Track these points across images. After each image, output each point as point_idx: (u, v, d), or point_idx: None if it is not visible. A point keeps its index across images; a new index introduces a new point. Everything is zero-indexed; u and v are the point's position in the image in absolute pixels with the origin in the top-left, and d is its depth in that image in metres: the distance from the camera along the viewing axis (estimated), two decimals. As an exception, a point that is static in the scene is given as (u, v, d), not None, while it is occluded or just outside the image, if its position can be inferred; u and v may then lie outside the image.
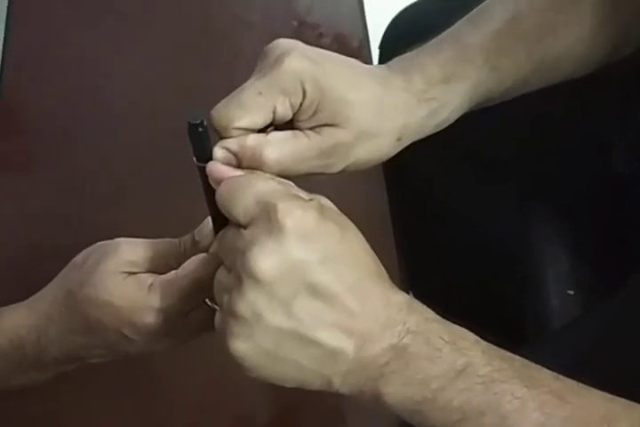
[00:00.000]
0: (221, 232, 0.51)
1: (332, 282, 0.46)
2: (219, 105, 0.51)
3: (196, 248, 0.55)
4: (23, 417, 0.76)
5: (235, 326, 0.46)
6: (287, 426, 0.82)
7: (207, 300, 0.55)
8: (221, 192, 0.49)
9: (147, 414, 0.79)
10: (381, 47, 0.94)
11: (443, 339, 0.47)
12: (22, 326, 0.57)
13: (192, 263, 0.54)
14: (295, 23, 1.05)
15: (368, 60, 1.03)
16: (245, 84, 0.52)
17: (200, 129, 0.49)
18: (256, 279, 0.45)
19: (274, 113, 0.51)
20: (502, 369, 0.47)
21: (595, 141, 0.76)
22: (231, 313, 0.46)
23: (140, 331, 0.55)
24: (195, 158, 0.51)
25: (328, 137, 0.53)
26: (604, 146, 0.75)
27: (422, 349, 0.47)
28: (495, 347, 0.48)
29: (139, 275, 0.55)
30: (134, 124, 0.94)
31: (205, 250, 0.54)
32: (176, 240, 0.57)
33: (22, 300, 0.60)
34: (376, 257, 0.49)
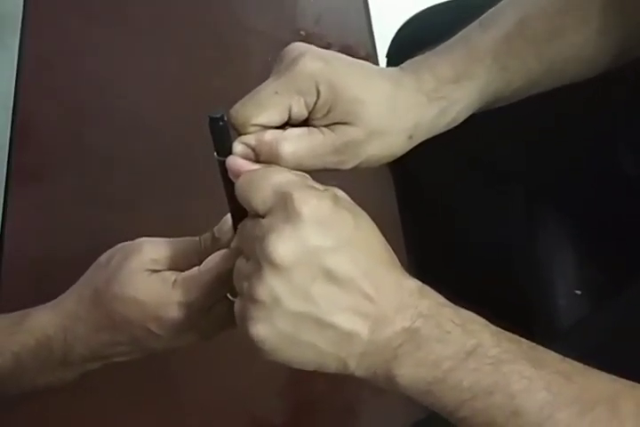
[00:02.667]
0: (241, 223, 0.52)
1: (348, 267, 0.48)
2: (237, 104, 0.53)
3: (216, 245, 0.57)
4: (40, 417, 0.77)
5: (254, 311, 0.48)
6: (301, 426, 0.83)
7: (229, 294, 0.56)
8: (240, 184, 0.51)
9: (162, 412, 0.80)
10: (389, 56, 0.95)
11: (453, 322, 0.48)
12: (49, 325, 0.59)
13: (213, 259, 0.56)
14: (303, 33, 1.06)
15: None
16: (262, 85, 0.54)
17: (220, 123, 0.51)
18: (274, 265, 0.47)
19: (289, 111, 0.53)
20: (510, 350, 0.48)
21: (601, 143, 0.76)
22: (251, 298, 0.48)
23: (165, 326, 0.56)
24: (215, 153, 0.53)
25: (341, 135, 0.54)
26: (610, 148, 0.76)
27: (433, 331, 0.48)
28: (502, 330, 0.49)
29: (162, 272, 0.57)
30: (148, 134, 0.95)
31: (226, 246, 0.56)
32: (196, 238, 0.59)
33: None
34: (388, 245, 0.51)
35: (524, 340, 0.50)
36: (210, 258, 0.56)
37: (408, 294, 0.49)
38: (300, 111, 0.54)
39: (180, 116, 0.96)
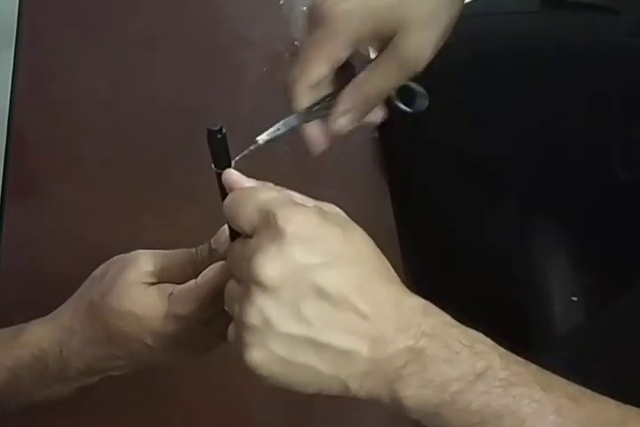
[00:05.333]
0: (230, 245, 0.52)
1: (338, 283, 0.46)
2: (288, 73, 0.58)
3: (213, 256, 0.57)
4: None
5: (247, 335, 0.47)
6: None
7: (226, 307, 0.56)
8: (226, 204, 0.51)
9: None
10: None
11: (461, 342, 0.47)
12: (45, 340, 0.58)
13: (210, 272, 0.55)
14: (298, 44, 1.06)
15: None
16: (303, 43, 0.58)
17: (219, 136, 0.51)
18: (262, 285, 0.46)
19: (337, 59, 0.58)
20: (520, 373, 0.47)
21: (595, 149, 0.77)
22: (242, 323, 0.47)
23: (161, 339, 0.56)
24: (213, 165, 0.53)
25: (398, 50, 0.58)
26: (605, 154, 0.76)
27: (440, 351, 0.47)
28: (510, 352, 0.49)
29: (159, 285, 0.57)
30: (144, 146, 0.95)
31: (223, 257, 0.56)
32: (193, 250, 0.58)
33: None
34: (385, 260, 0.50)
35: (530, 363, 0.49)
36: (206, 270, 0.56)
37: (410, 311, 0.47)
38: (347, 51, 0.57)
39: (176, 127, 0.96)
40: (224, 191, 0.53)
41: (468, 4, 0.92)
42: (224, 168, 0.53)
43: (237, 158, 0.54)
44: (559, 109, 0.81)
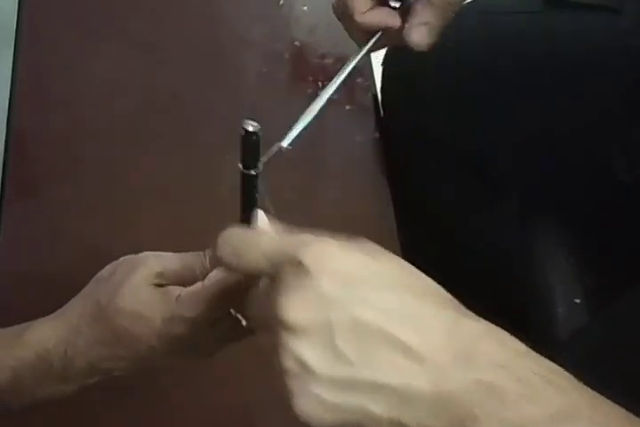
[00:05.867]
0: (245, 300, 0.49)
1: (373, 315, 0.41)
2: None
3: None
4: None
5: (289, 384, 0.43)
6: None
7: (232, 310, 0.56)
8: (236, 245, 0.47)
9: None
10: (385, 63, 0.95)
11: (536, 374, 0.41)
12: (49, 339, 0.58)
13: (217, 274, 0.55)
14: (298, 44, 1.06)
15: (370, 79, 1.04)
16: None
17: (254, 137, 0.50)
18: (291, 328, 0.42)
19: None
20: (604, 413, 0.42)
21: (595, 149, 0.77)
22: (282, 372, 0.43)
23: (168, 341, 0.56)
24: (241, 164, 0.52)
25: None
26: (605, 154, 0.76)
27: (515, 385, 0.40)
28: (586, 387, 0.43)
29: (167, 287, 0.57)
30: (146, 146, 0.95)
31: None
32: (200, 253, 0.58)
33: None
34: (432, 282, 0.44)
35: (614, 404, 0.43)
36: (213, 273, 0.56)
37: (468, 337, 0.41)
38: None
39: (176, 127, 0.96)
40: (246, 190, 0.53)
41: (468, 3, 0.92)
42: (250, 169, 0.52)
43: (264, 160, 0.52)
44: (560, 109, 0.81)
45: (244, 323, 0.56)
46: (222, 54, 1.04)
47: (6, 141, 0.93)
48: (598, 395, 0.42)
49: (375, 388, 0.41)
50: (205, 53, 1.03)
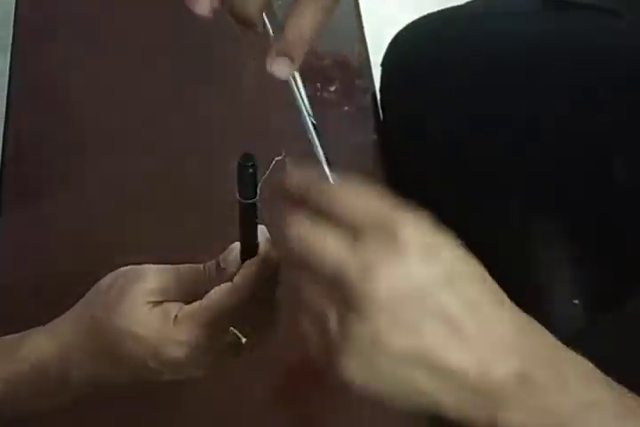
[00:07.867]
0: (323, 240, 0.45)
1: (458, 303, 0.43)
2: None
3: (221, 275, 0.56)
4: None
5: (345, 346, 0.43)
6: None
7: (232, 328, 0.55)
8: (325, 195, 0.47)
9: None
10: (383, 65, 0.95)
11: (569, 368, 0.45)
12: (45, 352, 0.57)
13: (215, 294, 0.54)
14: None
15: (369, 80, 1.04)
16: None
17: (250, 170, 0.50)
18: (378, 300, 0.42)
19: None
20: (631, 408, 0.45)
21: (595, 150, 0.77)
22: (342, 333, 0.43)
23: (164, 362, 0.55)
24: (238, 194, 0.52)
25: None
26: (605, 155, 0.76)
27: (549, 378, 0.44)
28: (616, 383, 0.46)
29: (164, 305, 0.55)
30: (147, 151, 0.95)
31: (230, 277, 0.55)
32: (201, 266, 0.57)
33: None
34: (487, 275, 0.46)
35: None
36: (212, 292, 0.54)
37: (510, 331, 0.44)
38: None
39: (176, 127, 0.96)
40: (244, 219, 0.53)
41: (468, 3, 0.92)
42: (248, 198, 0.52)
43: (260, 185, 0.52)
44: (559, 109, 0.81)
45: (243, 341, 0.55)
46: (222, 54, 1.04)
47: (4, 144, 0.93)
48: (623, 388, 0.45)
49: (436, 369, 0.43)
50: (205, 53, 1.03)
